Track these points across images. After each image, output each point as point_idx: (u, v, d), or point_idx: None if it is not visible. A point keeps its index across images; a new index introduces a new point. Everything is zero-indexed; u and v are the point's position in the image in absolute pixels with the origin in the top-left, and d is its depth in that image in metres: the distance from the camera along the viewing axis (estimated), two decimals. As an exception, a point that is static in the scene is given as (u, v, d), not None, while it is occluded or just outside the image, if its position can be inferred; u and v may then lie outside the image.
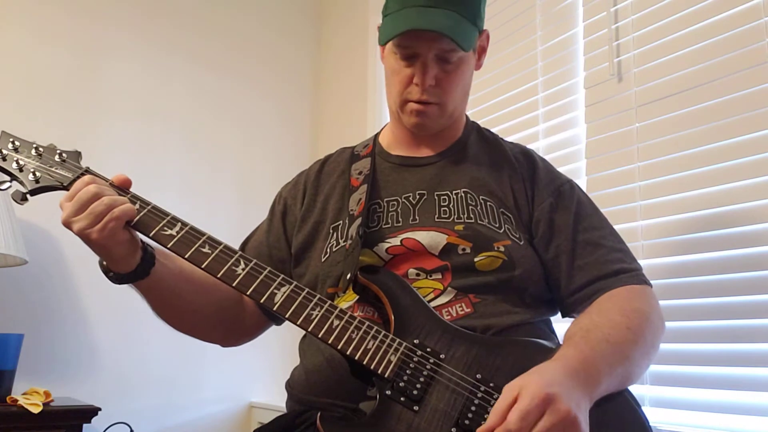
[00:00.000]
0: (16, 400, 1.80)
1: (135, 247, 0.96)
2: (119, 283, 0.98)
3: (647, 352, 0.96)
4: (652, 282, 1.07)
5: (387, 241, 1.05)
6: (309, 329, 0.91)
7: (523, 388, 0.79)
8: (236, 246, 1.18)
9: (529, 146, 1.21)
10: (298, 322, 0.91)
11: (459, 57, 1.06)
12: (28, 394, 1.88)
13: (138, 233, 0.96)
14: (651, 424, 0.93)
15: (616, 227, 1.12)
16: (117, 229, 0.91)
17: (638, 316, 0.96)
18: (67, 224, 0.91)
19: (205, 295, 1.09)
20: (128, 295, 1.05)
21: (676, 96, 1.55)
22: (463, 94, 1.14)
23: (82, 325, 2.22)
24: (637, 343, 0.93)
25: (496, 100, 2.06)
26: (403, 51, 1.06)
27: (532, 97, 1.94)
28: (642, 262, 1.10)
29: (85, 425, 1.88)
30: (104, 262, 0.97)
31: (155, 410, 2.30)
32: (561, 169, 1.19)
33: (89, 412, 1.88)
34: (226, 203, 2.60)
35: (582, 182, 1.72)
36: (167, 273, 1.01)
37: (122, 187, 0.97)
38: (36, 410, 1.76)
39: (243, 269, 0.94)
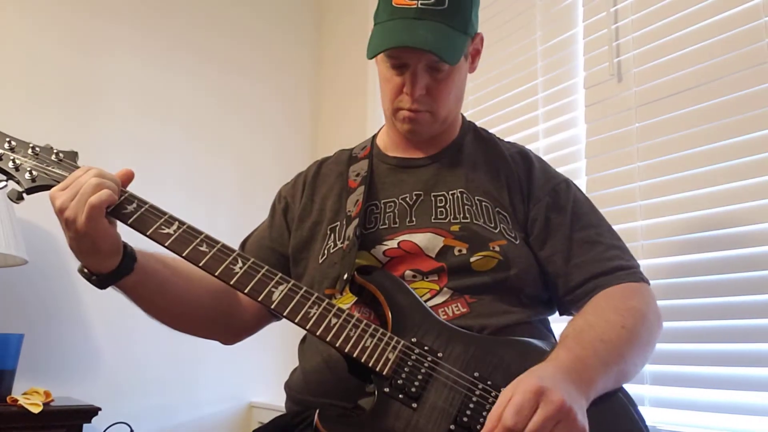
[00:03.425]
0: (16, 400, 1.80)
1: (119, 244, 0.95)
2: (103, 286, 0.97)
3: (643, 350, 0.96)
4: (651, 282, 1.07)
5: (384, 243, 1.05)
6: (307, 327, 0.91)
7: (516, 386, 0.79)
8: (236, 244, 1.19)
9: (529, 146, 1.21)
10: (296, 320, 0.91)
11: (450, 65, 1.05)
12: (28, 394, 1.88)
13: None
14: (651, 424, 0.93)
15: (615, 227, 1.12)
16: (99, 214, 0.89)
17: (633, 314, 0.96)
18: (61, 211, 0.89)
19: (194, 287, 1.08)
20: (128, 293, 1.05)
21: (676, 96, 1.54)
22: (457, 99, 1.13)
23: (82, 325, 2.22)
24: (632, 342, 0.93)
25: (496, 100, 2.06)
26: (392, 61, 1.06)
27: (532, 97, 1.94)
28: (642, 262, 1.10)
29: (85, 425, 1.88)
30: (85, 269, 0.96)
31: (155, 410, 2.30)
32: (561, 169, 1.19)
33: (89, 412, 1.88)
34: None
35: (582, 182, 1.72)
36: (151, 268, 1.01)
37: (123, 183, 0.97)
38: (36, 410, 1.76)
39: (241, 267, 0.94)
